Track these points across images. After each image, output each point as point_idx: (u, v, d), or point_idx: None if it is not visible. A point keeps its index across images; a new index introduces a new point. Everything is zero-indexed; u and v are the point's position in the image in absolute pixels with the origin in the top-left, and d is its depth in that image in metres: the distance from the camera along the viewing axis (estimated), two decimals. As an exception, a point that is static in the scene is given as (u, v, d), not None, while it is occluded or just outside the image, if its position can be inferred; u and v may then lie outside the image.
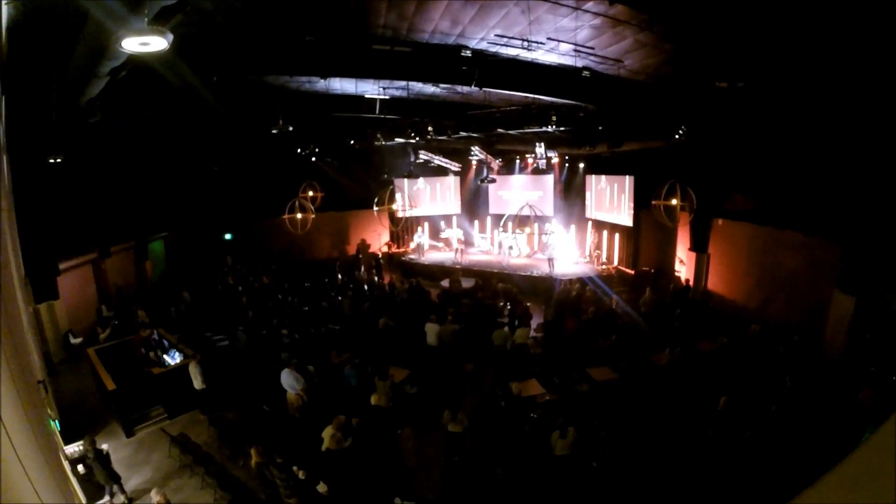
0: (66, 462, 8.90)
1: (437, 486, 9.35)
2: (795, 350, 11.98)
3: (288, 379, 11.40)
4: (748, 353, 12.18)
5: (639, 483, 8.61)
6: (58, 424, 9.75)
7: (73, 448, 9.80)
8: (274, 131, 17.01)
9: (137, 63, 8.72)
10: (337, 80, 14.72)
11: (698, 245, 18.36)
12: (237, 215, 25.13)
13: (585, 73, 12.31)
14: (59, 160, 13.08)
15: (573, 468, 9.05)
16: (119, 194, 18.66)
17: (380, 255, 26.16)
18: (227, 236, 25.45)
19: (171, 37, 5.74)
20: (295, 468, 8.72)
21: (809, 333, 12.91)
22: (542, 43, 11.11)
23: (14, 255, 7.98)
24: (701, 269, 18.43)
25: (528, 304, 16.66)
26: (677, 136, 15.05)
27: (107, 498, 9.43)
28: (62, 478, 6.22)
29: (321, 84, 15.00)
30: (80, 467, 9.40)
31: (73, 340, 15.63)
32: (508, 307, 16.85)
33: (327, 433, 9.42)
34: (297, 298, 18.11)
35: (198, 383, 12.16)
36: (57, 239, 14.66)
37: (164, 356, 13.49)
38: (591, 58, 11.73)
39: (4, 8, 6.14)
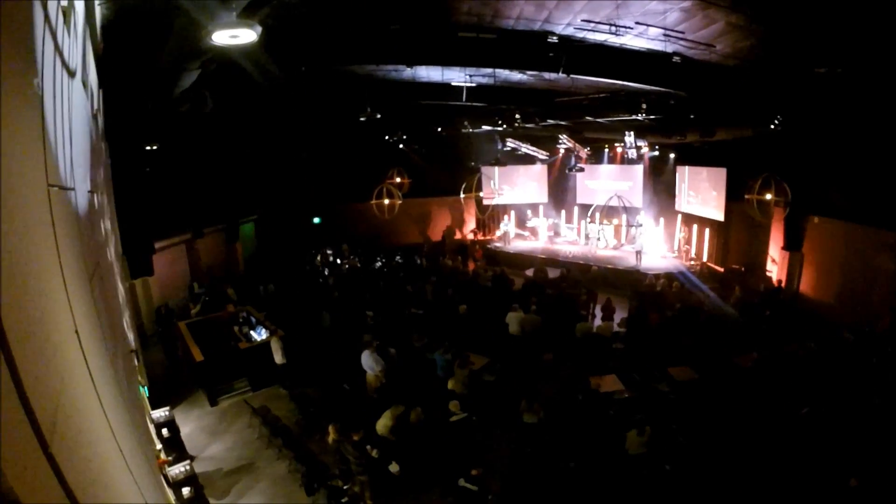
0: (152, 425, 9.49)
1: (504, 473, 9.35)
2: (890, 363, 11.12)
3: (368, 360, 11.72)
4: (838, 362, 11.41)
5: (710, 489, 8.31)
6: (146, 391, 10.38)
7: (159, 413, 10.45)
8: (362, 119, 17.32)
9: (227, 56, 9.06)
10: (423, 68, 14.76)
11: (792, 243, 17.29)
12: (324, 200, 25.82)
13: (676, 58, 11.87)
14: (155, 147, 13.88)
15: (646, 468, 8.82)
16: (212, 179, 19.53)
17: (466, 242, 26.26)
18: (316, 220, 26.21)
19: (259, 29, 5.92)
20: (369, 447, 8.90)
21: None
22: (630, 27, 10.73)
23: (113, 233, 8.48)
24: (794, 269, 17.35)
25: (611, 297, 16.31)
26: (773, 126, 14.22)
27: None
28: (146, 438, 6.64)
29: (407, 72, 15.10)
30: (165, 431, 10.02)
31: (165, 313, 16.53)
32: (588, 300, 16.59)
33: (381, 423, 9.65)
34: (382, 282, 18.45)
35: (278, 357, 12.73)
36: (153, 220, 15.52)
37: (251, 332, 14.15)
38: (682, 42, 11.22)
39: (98, 9, 6.47)
